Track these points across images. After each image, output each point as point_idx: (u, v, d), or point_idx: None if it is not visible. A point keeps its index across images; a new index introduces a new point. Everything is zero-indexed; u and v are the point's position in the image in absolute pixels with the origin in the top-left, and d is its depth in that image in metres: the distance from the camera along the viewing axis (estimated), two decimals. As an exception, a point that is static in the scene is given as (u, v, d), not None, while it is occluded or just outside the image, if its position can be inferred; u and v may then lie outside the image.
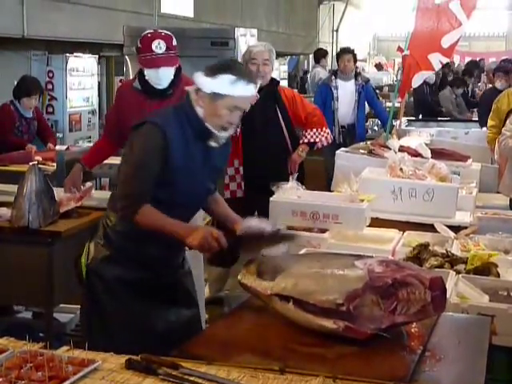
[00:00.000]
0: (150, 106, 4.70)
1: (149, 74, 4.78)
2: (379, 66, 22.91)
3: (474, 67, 16.77)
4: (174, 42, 4.79)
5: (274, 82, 5.97)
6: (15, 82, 8.14)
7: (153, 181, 3.37)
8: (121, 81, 11.72)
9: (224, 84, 3.38)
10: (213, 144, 3.48)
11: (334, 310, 2.86)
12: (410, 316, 2.87)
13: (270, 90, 5.82)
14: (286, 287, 3.06)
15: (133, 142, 3.45)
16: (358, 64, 14.26)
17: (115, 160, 5.41)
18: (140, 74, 4.87)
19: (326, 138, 6.07)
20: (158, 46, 4.68)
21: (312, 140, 6.00)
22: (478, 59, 20.06)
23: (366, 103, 9.27)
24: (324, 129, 6.06)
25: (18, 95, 7.76)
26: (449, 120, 11.68)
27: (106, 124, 5.35)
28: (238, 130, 5.77)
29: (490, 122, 8.09)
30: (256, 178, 5.63)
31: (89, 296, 3.61)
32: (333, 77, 9.16)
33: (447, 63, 12.63)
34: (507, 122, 6.43)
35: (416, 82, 7.90)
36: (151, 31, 4.86)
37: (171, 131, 3.38)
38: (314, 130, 6.00)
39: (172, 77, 4.77)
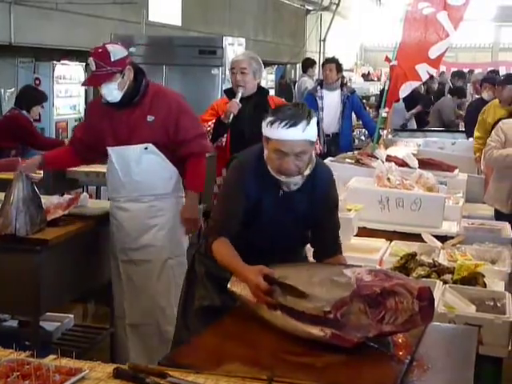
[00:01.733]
0: (120, 116, 4.76)
1: (102, 91, 4.78)
2: (366, 76, 22.98)
3: (460, 77, 16.80)
4: (113, 57, 4.67)
5: (264, 92, 5.94)
6: (1, 90, 8.13)
7: (235, 215, 3.50)
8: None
9: (266, 126, 3.38)
10: (284, 188, 3.47)
11: (321, 318, 2.87)
12: (398, 326, 2.88)
13: (259, 99, 5.80)
14: (274, 295, 3.07)
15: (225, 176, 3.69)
16: (345, 74, 14.32)
17: (102, 168, 5.41)
18: None
19: (315, 148, 6.07)
20: (92, 64, 4.67)
21: (300, 150, 5.99)
22: (466, 70, 20.11)
23: (352, 113, 9.27)
24: (313, 139, 6.06)
25: (33, 103, 7.77)
26: (436, 130, 11.72)
27: (73, 139, 5.21)
28: (224, 139, 5.78)
29: (475, 134, 8.16)
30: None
31: (186, 283, 3.93)
32: (318, 87, 9.16)
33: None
34: (492, 132, 6.48)
35: (403, 92, 7.93)
36: (99, 45, 4.77)
37: (249, 169, 3.52)
38: (303, 139, 6.00)
39: (117, 91, 4.70)
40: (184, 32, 14.08)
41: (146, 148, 4.74)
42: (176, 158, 4.84)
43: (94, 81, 4.82)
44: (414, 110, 12.68)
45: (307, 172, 3.43)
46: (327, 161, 6.55)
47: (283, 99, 6.84)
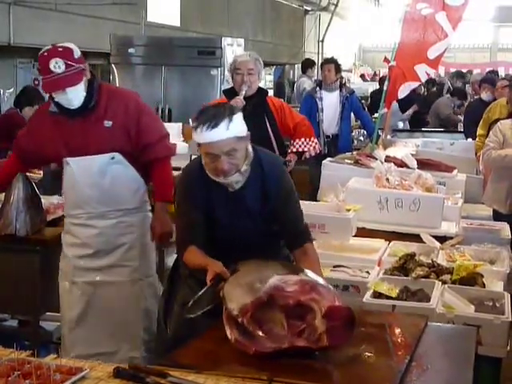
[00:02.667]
0: (72, 125, 4.24)
1: (57, 97, 4.21)
2: (372, 77, 22.99)
3: (459, 78, 16.83)
4: (76, 55, 4.17)
5: (263, 92, 5.97)
6: (0, 91, 8.15)
7: (194, 225, 3.54)
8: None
9: (194, 132, 3.40)
10: (230, 189, 3.49)
11: (235, 320, 2.89)
12: (311, 342, 2.81)
13: (258, 99, 5.83)
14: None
15: None
16: (344, 74, 14.31)
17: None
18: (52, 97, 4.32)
19: (314, 147, 6.08)
20: (57, 66, 4.07)
21: (300, 149, 6.01)
22: (465, 71, 20.13)
23: (351, 114, 9.28)
24: (312, 138, 6.08)
25: (27, 104, 7.79)
26: (434, 131, 11.72)
27: (16, 150, 4.60)
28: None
29: (479, 131, 8.13)
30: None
31: (168, 284, 3.91)
32: (317, 88, 9.17)
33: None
34: (490, 133, 6.49)
35: (402, 92, 7.93)
36: (48, 48, 4.20)
37: (193, 178, 3.55)
38: (303, 139, 6.02)
39: (84, 92, 4.20)
40: (183, 33, 14.09)
41: (112, 158, 4.27)
42: (138, 164, 4.39)
43: (66, 82, 4.11)
44: (410, 110, 12.68)
45: (244, 168, 3.45)
46: (326, 161, 6.56)
47: (282, 100, 6.86)
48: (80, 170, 4.26)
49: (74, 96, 4.16)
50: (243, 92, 5.74)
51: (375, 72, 24.51)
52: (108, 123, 4.24)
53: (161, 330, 3.88)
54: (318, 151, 6.23)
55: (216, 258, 3.40)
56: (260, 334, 2.84)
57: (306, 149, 6.03)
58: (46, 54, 4.14)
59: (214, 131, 3.30)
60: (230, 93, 5.88)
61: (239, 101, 5.68)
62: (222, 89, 7.87)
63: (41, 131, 4.35)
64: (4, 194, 4.54)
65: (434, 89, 15.37)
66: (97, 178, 4.25)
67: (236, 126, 3.36)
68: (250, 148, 3.51)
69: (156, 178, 4.45)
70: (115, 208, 4.33)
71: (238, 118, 3.39)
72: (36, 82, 11.22)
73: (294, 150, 6.02)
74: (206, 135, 3.32)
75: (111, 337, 4.38)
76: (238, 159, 3.40)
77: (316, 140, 6.16)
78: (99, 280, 4.37)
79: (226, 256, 3.38)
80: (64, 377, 2.44)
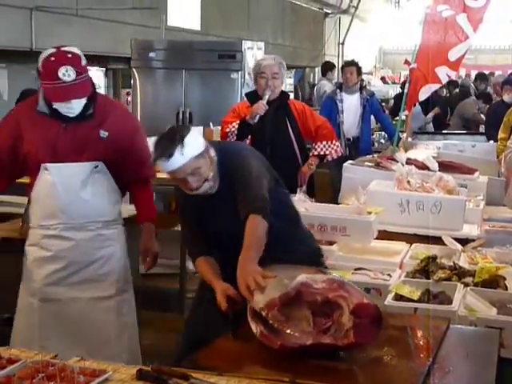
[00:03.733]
0: (64, 129, 4.04)
1: (57, 105, 3.99)
2: (385, 79, 22.95)
3: (482, 80, 16.72)
4: (83, 62, 3.95)
5: (285, 96, 6.00)
6: (22, 95, 8.15)
7: (194, 236, 3.74)
8: (128, 93, 11.75)
9: (155, 164, 3.52)
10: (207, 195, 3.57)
11: (260, 315, 2.92)
12: (338, 339, 2.82)
13: (280, 103, 5.86)
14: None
15: None
16: (364, 77, 14.31)
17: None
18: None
19: (336, 150, 6.10)
20: (67, 74, 3.84)
21: (322, 152, 6.04)
22: (487, 73, 19.99)
23: (371, 116, 9.28)
24: (334, 141, 6.09)
25: None
26: (456, 133, 11.68)
27: None
28: (248, 141, 5.82)
29: (500, 135, 8.11)
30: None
31: (199, 291, 3.95)
32: (338, 90, 9.18)
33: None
34: (512, 135, 6.46)
35: (423, 95, 7.90)
36: (53, 52, 3.94)
37: (182, 192, 3.61)
38: (324, 142, 6.04)
39: (83, 102, 4.00)
40: (203, 36, 14.12)
41: (96, 167, 4.07)
42: (121, 179, 4.24)
43: (75, 93, 3.92)
44: (430, 114, 12.63)
45: (211, 174, 3.51)
46: (347, 164, 6.55)
47: (303, 103, 6.87)
48: (61, 177, 4.03)
49: (77, 106, 3.99)
50: (266, 96, 5.78)
51: (406, 79, 24.38)
52: (104, 133, 4.08)
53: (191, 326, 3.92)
54: (340, 154, 6.24)
55: (220, 252, 3.62)
56: (286, 329, 2.86)
57: (327, 152, 6.05)
58: (52, 59, 3.92)
59: (171, 161, 3.39)
60: (253, 96, 5.92)
61: (262, 105, 5.72)
62: (243, 92, 7.89)
63: (28, 134, 4.07)
64: (25, 197, 4.56)
65: (457, 91, 15.31)
66: (78, 186, 4.05)
67: (190, 148, 3.41)
68: (212, 153, 3.53)
69: (142, 199, 4.41)
70: (95, 219, 4.14)
71: (190, 137, 3.43)
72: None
73: (316, 153, 6.04)
74: (165, 166, 3.42)
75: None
76: (204, 173, 3.49)
77: (338, 143, 6.18)
78: (70, 297, 4.13)
79: (230, 250, 3.44)
80: (88, 379, 2.47)
